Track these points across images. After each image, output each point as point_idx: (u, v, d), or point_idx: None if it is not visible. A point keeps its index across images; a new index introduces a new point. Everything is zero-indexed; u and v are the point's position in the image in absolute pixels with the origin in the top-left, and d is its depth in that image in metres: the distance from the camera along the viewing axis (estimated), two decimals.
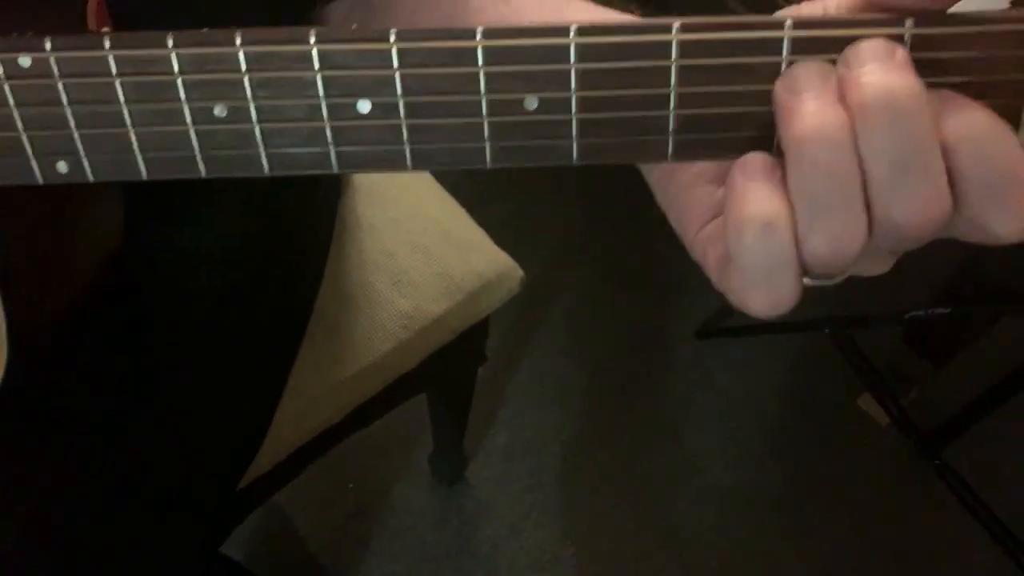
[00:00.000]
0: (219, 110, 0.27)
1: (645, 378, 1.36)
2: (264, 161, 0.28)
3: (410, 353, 0.74)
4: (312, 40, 0.26)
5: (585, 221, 1.48)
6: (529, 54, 0.26)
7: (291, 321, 0.67)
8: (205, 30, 0.26)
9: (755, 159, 0.25)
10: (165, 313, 0.56)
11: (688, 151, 0.27)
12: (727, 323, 1.40)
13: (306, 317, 0.69)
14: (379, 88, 0.27)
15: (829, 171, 0.24)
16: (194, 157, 0.28)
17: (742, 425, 1.32)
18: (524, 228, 1.48)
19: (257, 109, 0.27)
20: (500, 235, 0.82)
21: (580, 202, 1.48)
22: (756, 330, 1.38)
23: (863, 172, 0.24)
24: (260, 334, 0.61)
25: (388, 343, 0.71)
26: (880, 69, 0.24)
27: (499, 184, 1.51)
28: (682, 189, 0.30)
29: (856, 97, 0.24)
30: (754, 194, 0.25)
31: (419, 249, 0.75)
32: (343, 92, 0.27)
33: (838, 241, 0.24)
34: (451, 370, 0.91)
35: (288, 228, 0.65)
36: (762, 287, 0.25)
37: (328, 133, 0.28)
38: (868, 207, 0.24)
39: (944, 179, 0.24)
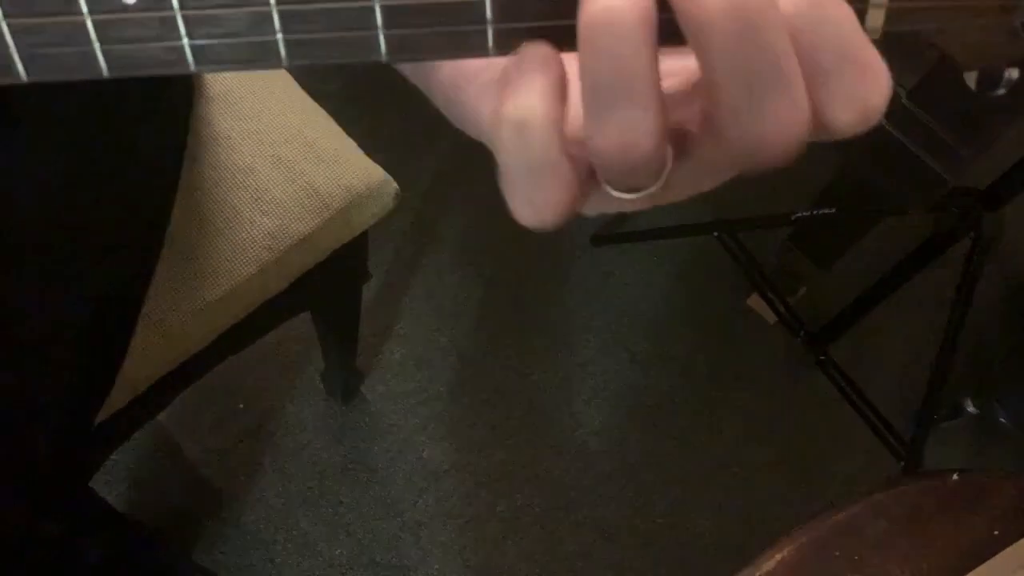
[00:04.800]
0: None
1: (538, 288, 1.35)
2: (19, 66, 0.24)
3: (277, 275, 0.70)
4: None
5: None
6: None
7: (138, 245, 0.61)
8: None
9: (536, 48, 0.22)
10: None
11: (511, 41, 0.23)
12: (621, 229, 1.40)
13: (157, 241, 0.64)
14: None
15: (613, 61, 0.20)
16: None
17: (634, 329, 1.34)
18: (413, 142, 1.42)
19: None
20: (388, 148, 0.78)
21: None
22: (649, 235, 1.38)
23: (712, 87, 0.21)
24: (99, 262, 0.56)
25: (251, 266, 0.67)
26: None
27: (387, 96, 1.44)
28: (483, 88, 0.27)
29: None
30: (517, 88, 0.22)
31: (281, 163, 0.70)
32: None
33: (624, 138, 0.21)
34: (330, 290, 0.87)
35: (129, 144, 0.59)
36: (522, 192, 0.23)
37: (91, 30, 0.23)
38: (714, 130, 0.22)
39: (802, 83, 0.20)
